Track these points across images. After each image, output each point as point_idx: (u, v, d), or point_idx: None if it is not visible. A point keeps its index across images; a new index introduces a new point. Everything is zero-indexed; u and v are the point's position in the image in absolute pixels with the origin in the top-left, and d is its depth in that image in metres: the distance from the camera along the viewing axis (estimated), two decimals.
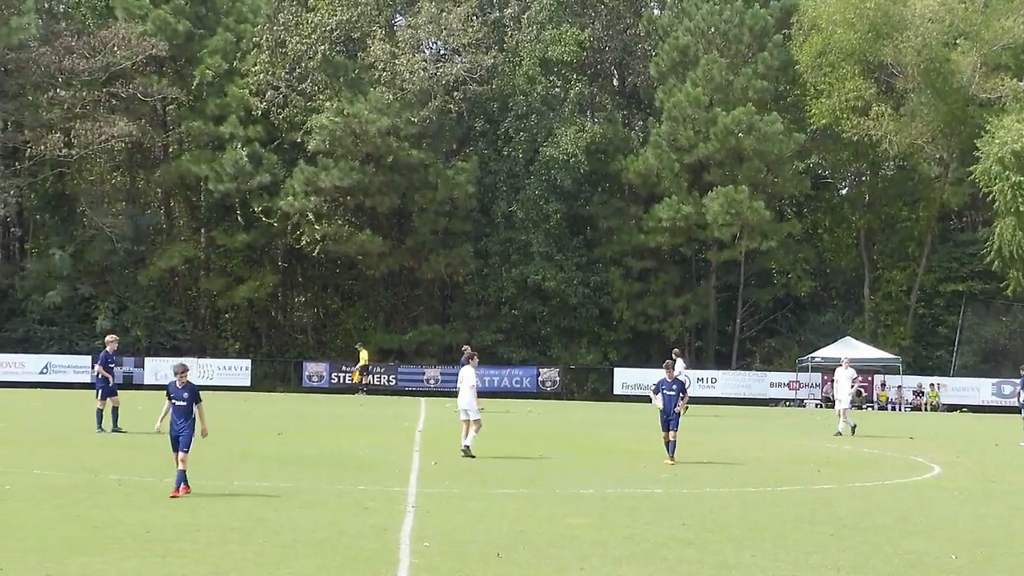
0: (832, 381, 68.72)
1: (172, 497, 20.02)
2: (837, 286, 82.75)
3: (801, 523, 19.43)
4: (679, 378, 29.75)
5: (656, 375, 64.81)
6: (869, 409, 67.79)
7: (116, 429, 33.56)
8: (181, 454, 20.76)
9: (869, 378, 70.27)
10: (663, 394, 29.00)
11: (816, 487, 24.98)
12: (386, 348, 74.80)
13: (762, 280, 78.63)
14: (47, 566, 14.25)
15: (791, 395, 69.94)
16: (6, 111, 71.05)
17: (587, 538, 17.31)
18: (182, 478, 20.65)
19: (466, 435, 28.87)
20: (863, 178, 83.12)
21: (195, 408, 21.16)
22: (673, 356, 52.16)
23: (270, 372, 73.53)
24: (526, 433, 38.51)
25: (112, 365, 35.28)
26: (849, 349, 67.50)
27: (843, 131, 71.25)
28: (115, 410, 34.09)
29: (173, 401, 21.16)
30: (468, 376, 29.32)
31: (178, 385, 21.16)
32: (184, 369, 21.62)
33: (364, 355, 65.85)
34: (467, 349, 53.08)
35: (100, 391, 34.38)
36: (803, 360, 69.85)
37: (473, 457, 28.30)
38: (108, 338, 36.00)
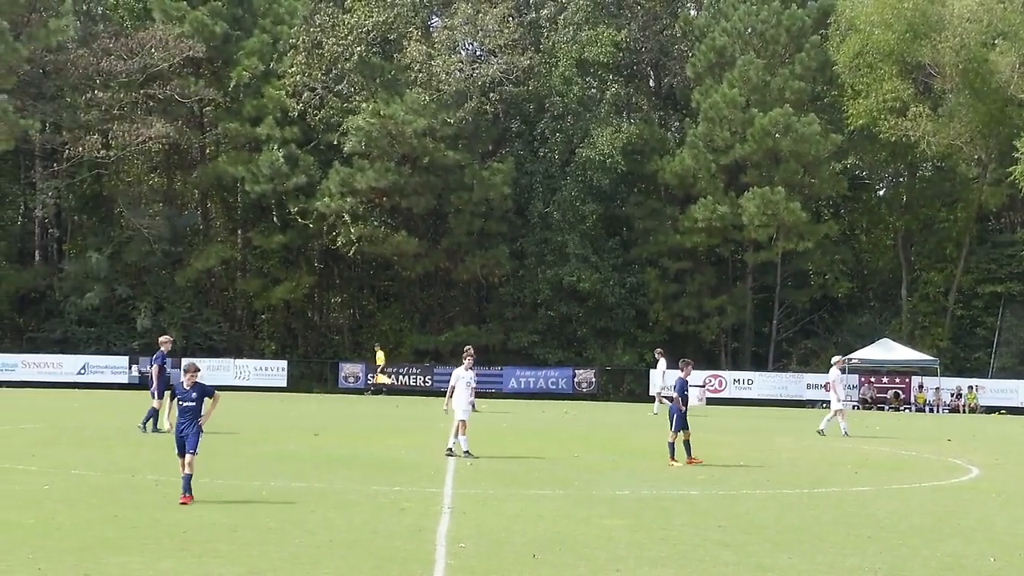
0: (869, 382, 68.98)
1: (182, 504, 19.44)
2: (874, 287, 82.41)
3: (838, 525, 19.33)
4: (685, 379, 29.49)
5: (693, 376, 64.84)
6: (907, 411, 67.49)
7: (156, 430, 33.62)
8: (188, 457, 19.76)
9: (907, 380, 70.00)
10: (683, 395, 28.84)
11: (853, 489, 24.84)
12: (422, 349, 74.87)
13: (799, 281, 78.34)
14: (85, 566, 14.29)
15: (828, 397, 69.52)
16: (44, 113, 71.40)
17: (623, 539, 17.26)
18: (188, 483, 19.75)
19: (461, 435, 28.76)
20: (901, 179, 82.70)
21: (205, 403, 20.23)
22: (656, 356, 52.31)
23: (306, 373, 73.70)
24: (562, 434, 38.45)
25: (166, 366, 35.23)
26: (887, 351, 67.37)
27: (881, 132, 70.85)
28: (156, 412, 34.07)
29: (180, 402, 20.25)
30: (468, 376, 29.05)
31: (185, 386, 20.14)
32: (194, 369, 20.47)
33: (381, 356, 65.72)
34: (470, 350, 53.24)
35: (155, 391, 34.40)
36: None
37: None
38: (163, 339, 35.91)
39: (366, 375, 69.67)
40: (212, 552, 15.37)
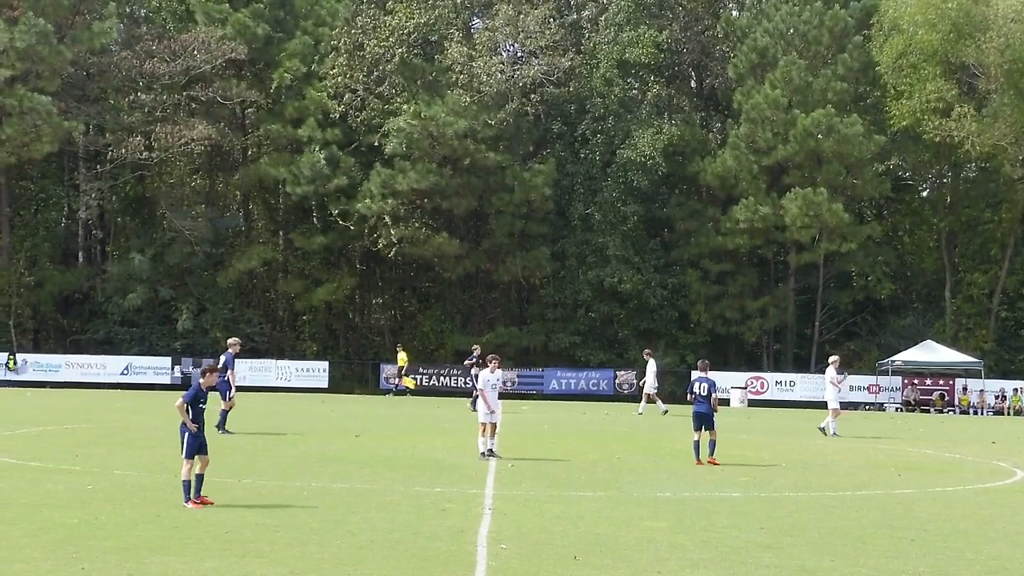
0: (912, 384, 68.65)
1: (197, 506, 19.21)
2: (918, 289, 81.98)
3: (881, 528, 19.23)
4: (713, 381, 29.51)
5: (736, 378, 64.77)
6: (951, 413, 67.14)
7: (225, 431, 33.93)
8: (206, 458, 19.59)
9: (951, 382, 69.63)
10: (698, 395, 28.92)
11: (896, 491, 24.71)
12: (463, 350, 74.82)
13: (841, 283, 77.97)
14: (128, 565, 14.35)
15: (871, 399, 69.35)
16: (88, 115, 71.85)
17: (665, 541, 17.22)
18: (201, 484, 19.53)
19: (491, 436, 28.74)
20: (944, 180, 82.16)
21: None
22: (645, 356, 52.21)
23: (347, 374, 73.85)
24: (603, 436, 38.40)
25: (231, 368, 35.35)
26: (930, 353, 67.02)
27: (924, 132, 70.43)
28: (223, 413, 34.35)
29: (200, 404, 19.67)
30: (495, 378, 28.91)
31: (204, 387, 19.79)
32: (212, 369, 20.25)
33: (402, 357, 65.63)
34: (477, 349, 53.54)
35: (225, 392, 34.58)
36: (883, 363, 69.20)
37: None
38: (231, 340, 36.18)
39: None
40: (254, 552, 15.42)
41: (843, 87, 71.20)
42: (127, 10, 79.99)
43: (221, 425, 33.73)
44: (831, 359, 44.21)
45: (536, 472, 25.95)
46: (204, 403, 19.79)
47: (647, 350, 53.98)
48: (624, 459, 29.84)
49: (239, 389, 35.05)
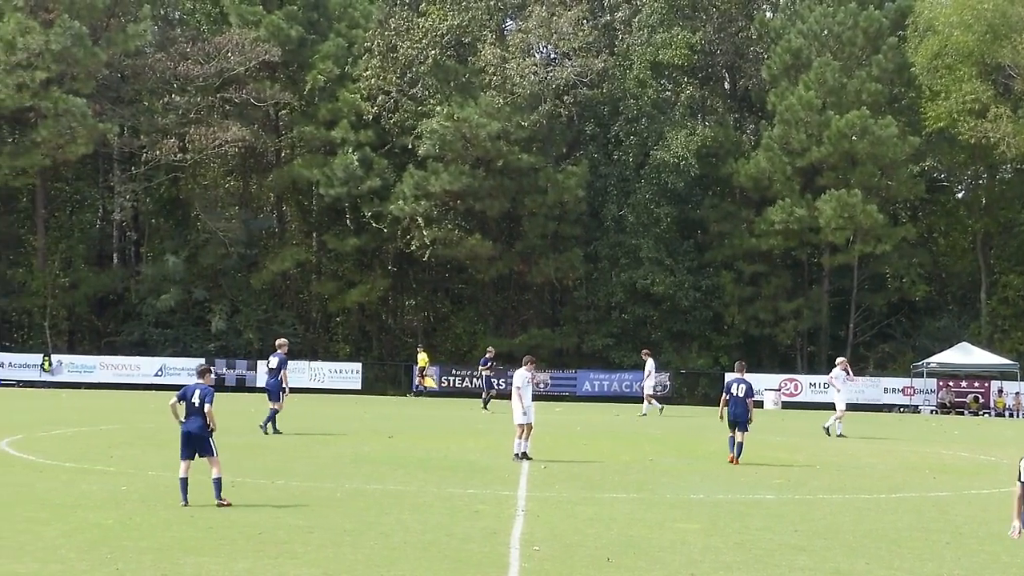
0: (947, 386, 68.35)
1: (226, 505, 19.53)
2: (953, 290, 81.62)
3: (916, 531, 19.16)
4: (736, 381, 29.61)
5: (770, 380, 64.59)
6: (986, 416, 66.83)
7: (276, 431, 34.33)
8: (215, 459, 19.70)
9: (986, 384, 69.30)
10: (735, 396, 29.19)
11: (931, 494, 24.61)
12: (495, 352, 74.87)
13: (876, 284, 77.64)
14: (162, 566, 14.41)
15: (905, 401, 69.11)
16: (123, 117, 72.17)
17: (698, 544, 17.19)
18: (219, 487, 19.64)
19: (526, 438, 28.71)
20: (980, 181, 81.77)
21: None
22: (643, 356, 52.13)
23: (381, 375, 73.96)
24: (636, 437, 38.33)
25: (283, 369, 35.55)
26: (965, 355, 66.70)
27: (959, 134, 70.10)
28: (274, 412, 34.68)
29: (193, 402, 19.83)
30: (516, 378, 28.89)
31: (207, 387, 20.06)
32: (207, 370, 20.49)
33: (423, 358, 65.42)
34: (491, 351, 53.56)
35: (276, 393, 34.92)
36: (918, 366, 68.91)
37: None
38: (280, 341, 36.47)
39: (440, 378, 69.74)
40: (288, 553, 15.46)
41: (878, 88, 70.94)
42: (161, 12, 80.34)
43: (267, 424, 34.34)
44: (838, 360, 44.37)
45: (569, 474, 25.93)
46: (202, 402, 19.75)
47: (645, 350, 53.86)
48: (657, 461, 29.80)
49: (259, 391, 35.11)
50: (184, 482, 19.57)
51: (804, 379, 70.27)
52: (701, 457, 31.22)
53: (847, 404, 42.80)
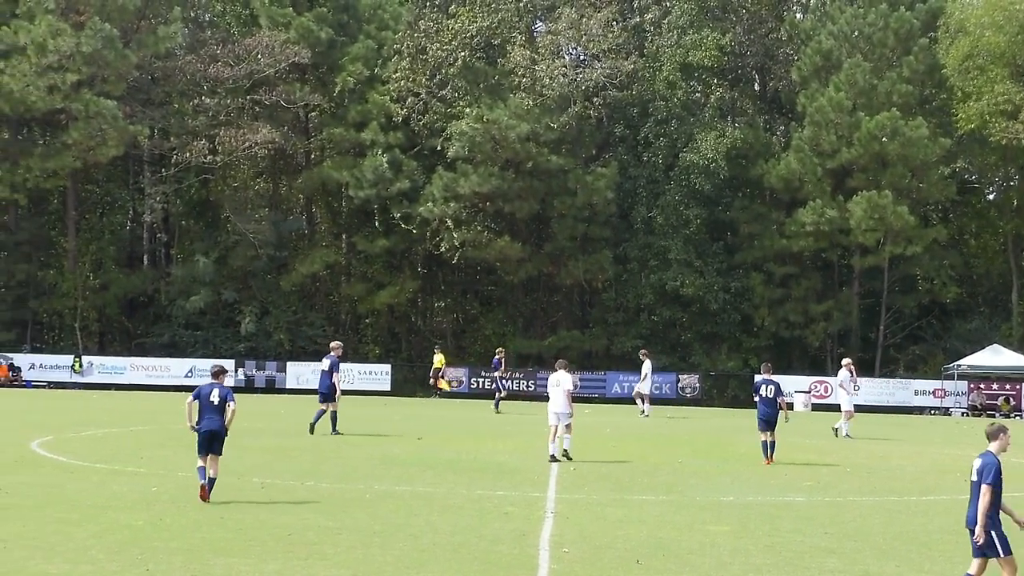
0: (978, 389, 68.06)
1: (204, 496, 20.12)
2: (984, 292, 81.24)
3: (947, 533, 19.07)
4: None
5: (800, 381, 64.46)
6: (1017, 418, 66.50)
7: (335, 431, 34.91)
8: (216, 457, 20.39)
9: (1018, 386, 68.98)
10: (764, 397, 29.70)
11: (962, 497, 24.29)
12: (525, 354, 74.93)
13: (906, 286, 77.31)
14: (192, 567, 14.45)
15: (936, 403, 68.82)
16: (153, 119, 72.39)
17: (727, 546, 17.15)
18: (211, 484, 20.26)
19: (556, 438, 28.94)
20: (1011, 183, 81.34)
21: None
22: (641, 356, 52.10)
23: (410, 377, 73.96)
24: (665, 439, 38.29)
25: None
26: (996, 356, 66.42)
27: (991, 135, 69.73)
28: (332, 413, 35.33)
29: (212, 402, 20.60)
30: (565, 380, 29.18)
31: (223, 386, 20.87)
32: (223, 371, 21.37)
33: (439, 359, 65.13)
34: (501, 352, 53.63)
35: (330, 394, 35.48)
36: (948, 368, 68.65)
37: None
38: (334, 344, 37.20)
39: (469, 379, 69.70)
40: (317, 554, 15.49)
41: (908, 89, 70.65)
42: (192, 15, 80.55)
43: (312, 425, 34.94)
44: (844, 361, 44.39)
45: (598, 475, 25.92)
46: (223, 400, 20.35)
47: (643, 350, 53.78)
48: (687, 463, 29.76)
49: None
50: (203, 469, 20.16)
51: (834, 381, 69.70)
52: (731, 459, 31.16)
53: (854, 405, 42.95)
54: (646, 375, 51.60)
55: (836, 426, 41.29)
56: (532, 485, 23.88)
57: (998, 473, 13.52)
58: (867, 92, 70.58)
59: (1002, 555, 13.45)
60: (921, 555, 16.96)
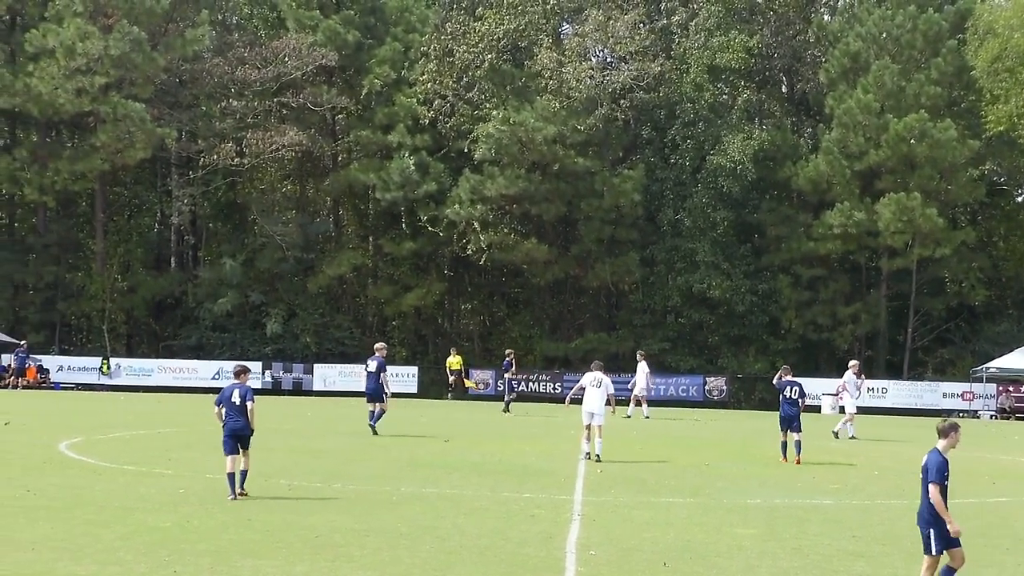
0: (1007, 391, 67.72)
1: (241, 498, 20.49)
2: (1012, 295, 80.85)
3: (975, 537, 18.96)
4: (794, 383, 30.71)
5: (826, 384, 64.23)
6: None
7: (372, 429, 35.54)
8: (246, 454, 20.87)
9: None
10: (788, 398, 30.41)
11: (991, 500, 24.41)
12: (551, 356, 74.91)
13: (935, 289, 77.03)
14: (220, 568, 14.47)
15: (965, 406, 68.55)
16: (180, 121, 72.58)
17: (755, 549, 17.10)
18: (243, 478, 20.82)
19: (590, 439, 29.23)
20: None
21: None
22: (638, 357, 52.05)
23: (437, 379, 73.96)
24: (693, 442, 38.24)
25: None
26: None
27: (1020, 137, 69.47)
28: (381, 413, 36.00)
29: (235, 402, 21.09)
30: (606, 381, 29.29)
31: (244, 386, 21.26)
32: (245, 370, 21.77)
33: (454, 360, 65.02)
34: (511, 354, 53.67)
35: (379, 395, 36.10)
36: (977, 370, 68.40)
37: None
38: (379, 345, 37.92)
39: (495, 381, 69.62)
40: (344, 556, 15.49)
41: (937, 91, 70.35)
42: (219, 17, 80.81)
43: (375, 423, 35.68)
44: (851, 363, 44.55)
45: (625, 478, 25.88)
46: (243, 400, 20.80)
47: (640, 352, 53.76)
48: (714, 465, 29.70)
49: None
50: (231, 476, 20.48)
51: (862, 383, 69.67)
52: (758, 462, 31.09)
53: (857, 407, 43.31)
54: (646, 375, 51.54)
55: (836, 429, 41.54)
56: (559, 487, 23.85)
57: (942, 471, 13.57)
58: (895, 94, 70.34)
59: (934, 553, 13.45)
60: None
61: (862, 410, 64.60)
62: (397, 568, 14.83)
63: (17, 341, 67.25)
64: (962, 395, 69.14)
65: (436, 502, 21.06)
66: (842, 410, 43.86)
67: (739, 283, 72.42)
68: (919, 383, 71.12)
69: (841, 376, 45.42)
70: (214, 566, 14.59)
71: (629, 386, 53.55)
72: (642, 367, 51.49)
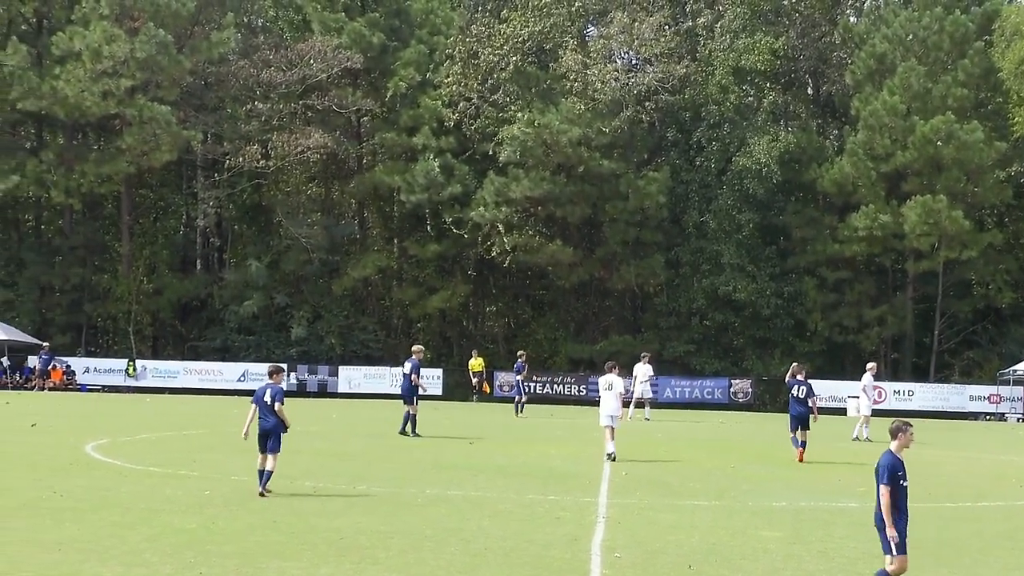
0: None
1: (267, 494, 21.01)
2: None
3: (1002, 540, 18.92)
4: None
5: (853, 387, 64.10)
6: None
7: (415, 434, 36.10)
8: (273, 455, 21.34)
9: None
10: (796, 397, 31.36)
11: (1018, 503, 24.30)
12: (576, 358, 74.86)
13: (961, 291, 76.75)
14: (245, 570, 14.48)
15: (991, 409, 68.29)
16: (206, 124, 72.75)
17: (780, 552, 17.06)
18: (267, 478, 21.25)
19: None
20: None
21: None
22: (641, 357, 51.87)
23: (461, 381, 73.96)
24: (718, 444, 38.18)
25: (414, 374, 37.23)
26: None
27: None
28: (414, 417, 36.54)
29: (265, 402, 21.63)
30: (618, 383, 29.49)
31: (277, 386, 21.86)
32: (279, 370, 22.44)
33: (476, 362, 64.82)
34: (523, 356, 53.62)
35: (411, 397, 36.80)
36: (1004, 373, 68.15)
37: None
38: (416, 348, 38.63)
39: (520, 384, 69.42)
40: (369, 558, 15.49)
41: (963, 93, 70.07)
42: (245, 20, 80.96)
43: (412, 429, 36.22)
44: (868, 366, 44.43)
45: (650, 480, 25.85)
46: (273, 400, 21.37)
47: (644, 353, 53.47)
48: (739, 468, 29.64)
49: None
50: (262, 472, 21.11)
51: (888, 386, 69.49)
52: (783, 464, 31.01)
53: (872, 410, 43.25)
54: (648, 377, 51.31)
55: (854, 435, 41.53)
56: (583, 490, 23.83)
57: (892, 472, 13.69)
58: (922, 96, 70.10)
59: (895, 554, 13.41)
60: (975, 561, 16.82)
61: (887, 412, 64.68)
62: (422, 570, 14.83)
63: (42, 343, 67.57)
64: (989, 398, 68.89)
65: (461, 504, 21.06)
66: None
67: (764, 285, 72.29)
68: (945, 386, 70.87)
69: (876, 378, 45.45)
70: (240, 568, 14.61)
71: (640, 393, 53.46)
72: (642, 369, 51.25)
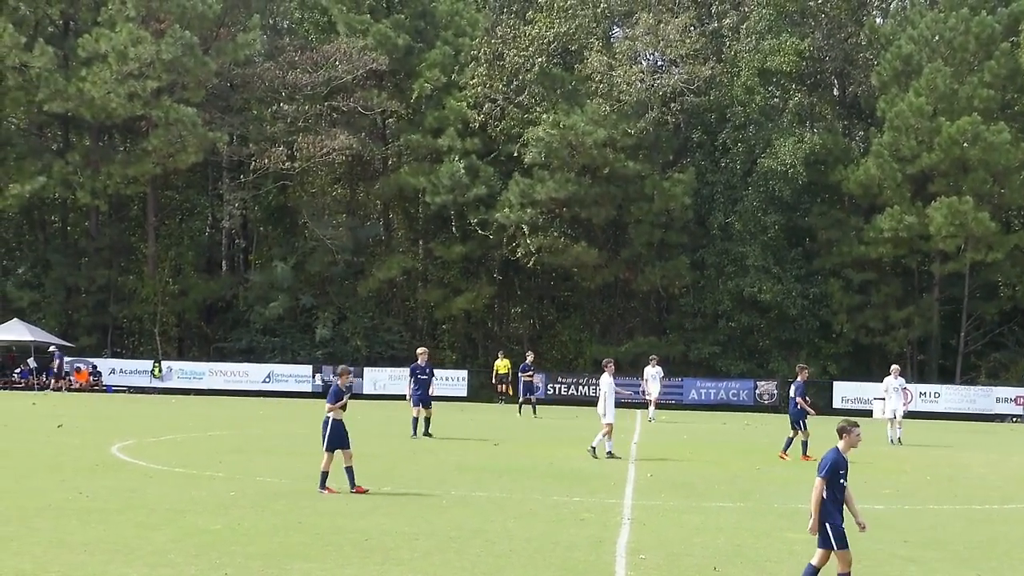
0: None
1: (360, 491, 21.98)
2: None
3: None
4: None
5: (878, 389, 64.00)
6: None
7: (427, 434, 36.41)
8: (348, 451, 22.44)
9: None
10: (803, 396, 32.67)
11: None
12: (601, 360, 74.67)
13: (988, 292, 76.45)
14: (270, 571, 14.52)
15: (1018, 411, 68.00)
16: (232, 125, 72.90)
17: (806, 554, 16.98)
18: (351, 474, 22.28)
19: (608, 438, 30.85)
20: None
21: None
22: (649, 360, 52.10)
23: (486, 383, 73.99)
24: (743, 446, 38.13)
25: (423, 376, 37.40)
26: None
27: None
28: (427, 420, 36.75)
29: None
30: (604, 382, 31.47)
31: (341, 386, 22.90)
32: (346, 371, 23.90)
33: (502, 364, 64.61)
34: (530, 356, 53.70)
35: (419, 400, 36.89)
36: None
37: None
38: (420, 350, 38.84)
39: (545, 385, 69.51)
40: (394, 560, 15.51)
41: (990, 94, 69.81)
42: (270, 22, 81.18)
43: (414, 430, 36.55)
44: (893, 367, 44.32)
45: (675, 482, 25.82)
46: (343, 399, 22.48)
47: (653, 357, 53.82)
48: (764, 470, 29.60)
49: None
50: (324, 473, 22.19)
51: (914, 388, 69.21)
52: (808, 466, 30.92)
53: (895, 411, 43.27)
54: (655, 378, 51.54)
55: (890, 437, 41.52)
56: (608, 491, 23.82)
57: (834, 469, 13.76)
58: (948, 97, 69.84)
59: (835, 549, 13.43)
60: (1002, 563, 16.75)
61: (914, 415, 64.52)
62: (446, 571, 14.84)
63: (69, 344, 67.85)
64: (1015, 399, 68.59)
65: (485, 506, 21.07)
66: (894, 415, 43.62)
67: (790, 287, 72.11)
68: (972, 388, 70.58)
69: (910, 381, 45.63)
70: (264, 569, 14.65)
71: (640, 391, 53.56)
72: (650, 371, 51.44)
